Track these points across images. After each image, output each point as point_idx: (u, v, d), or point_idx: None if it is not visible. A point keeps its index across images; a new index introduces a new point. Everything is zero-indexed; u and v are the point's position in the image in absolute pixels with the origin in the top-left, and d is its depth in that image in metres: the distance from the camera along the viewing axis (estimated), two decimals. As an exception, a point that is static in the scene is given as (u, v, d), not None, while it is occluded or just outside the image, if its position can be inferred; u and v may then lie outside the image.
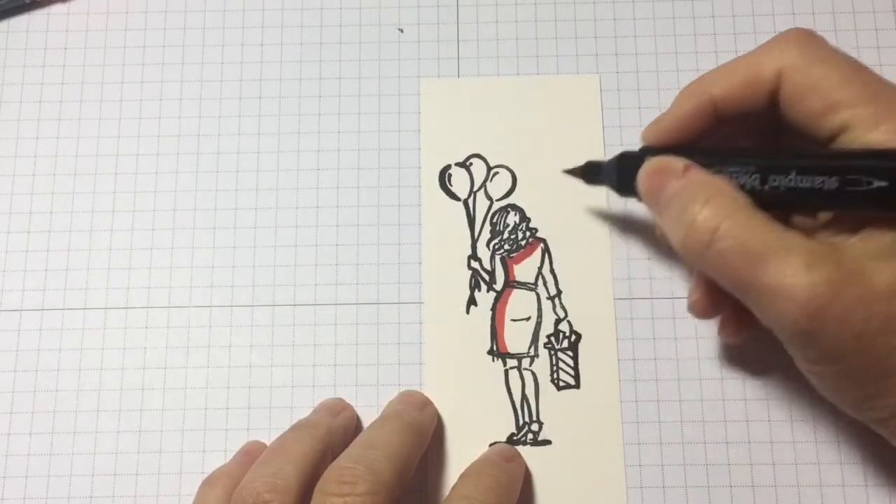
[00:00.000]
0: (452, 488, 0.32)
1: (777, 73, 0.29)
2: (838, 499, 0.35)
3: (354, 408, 0.36)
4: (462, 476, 0.33)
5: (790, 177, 0.28)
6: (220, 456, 0.36)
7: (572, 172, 0.36)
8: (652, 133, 0.33)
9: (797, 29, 0.30)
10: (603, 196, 0.38)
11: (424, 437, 0.34)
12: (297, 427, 0.34)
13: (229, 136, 0.40)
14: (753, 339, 0.34)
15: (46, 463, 0.36)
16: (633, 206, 0.38)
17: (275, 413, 0.37)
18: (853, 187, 0.26)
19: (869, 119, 0.27)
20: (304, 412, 0.36)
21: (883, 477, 0.35)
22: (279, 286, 0.38)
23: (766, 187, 0.28)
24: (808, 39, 0.29)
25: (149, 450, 0.36)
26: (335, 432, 0.33)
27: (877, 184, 0.25)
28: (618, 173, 0.33)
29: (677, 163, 0.30)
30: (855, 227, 0.27)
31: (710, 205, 0.28)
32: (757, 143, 0.32)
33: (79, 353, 0.37)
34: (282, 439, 0.33)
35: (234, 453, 0.35)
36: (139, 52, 0.41)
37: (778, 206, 0.28)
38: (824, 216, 0.30)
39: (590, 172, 0.36)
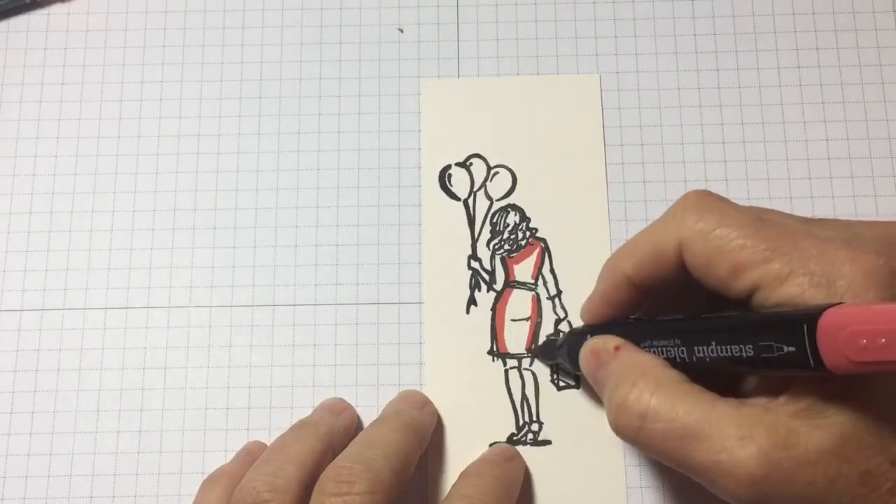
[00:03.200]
0: (452, 488, 0.32)
1: (678, 246, 0.29)
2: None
3: (355, 408, 0.36)
4: (462, 476, 0.33)
5: (711, 347, 0.27)
6: (220, 456, 0.36)
7: (532, 353, 0.37)
8: (586, 311, 0.34)
9: (693, 193, 0.29)
10: (603, 196, 0.38)
11: (423, 436, 0.34)
12: (298, 426, 0.34)
13: (229, 136, 0.40)
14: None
15: (46, 463, 0.36)
16: (634, 207, 0.38)
17: (275, 413, 0.37)
18: (767, 354, 0.25)
19: (776, 276, 0.26)
20: (304, 412, 0.36)
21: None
22: (279, 286, 0.38)
23: (694, 358, 0.28)
24: (704, 204, 0.29)
25: (149, 450, 0.36)
26: (336, 432, 0.33)
27: (787, 349, 0.25)
28: (568, 352, 0.34)
29: (610, 343, 0.31)
30: (782, 387, 0.27)
31: (636, 387, 0.28)
32: (686, 307, 0.32)
33: (79, 353, 0.37)
34: (282, 439, 0.33)
35: (234, 453, 0.35)
36: (139, 52, 0.41)
37: (709, 374, 0.28)
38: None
39: (547, 349, 0.36)
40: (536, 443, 0.36)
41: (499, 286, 0.38)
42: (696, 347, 0.28)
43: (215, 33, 0.41)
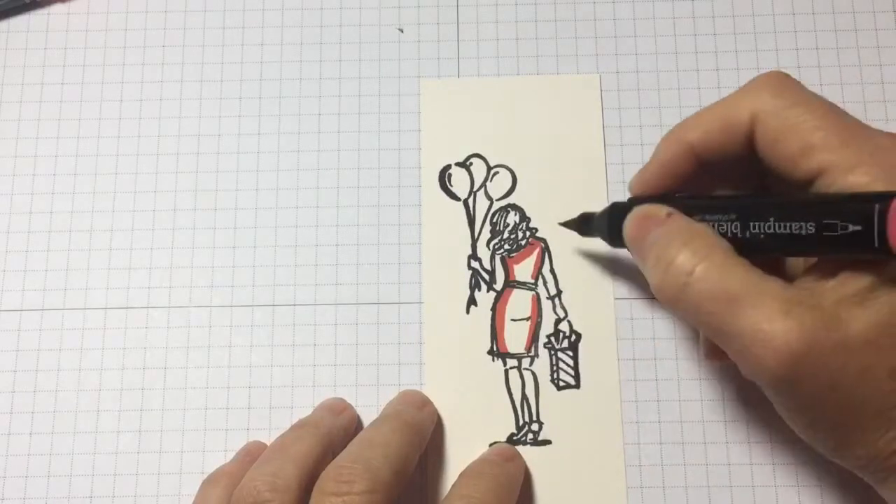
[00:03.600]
0: (452, 487, 0.32)
1: (751, 118, 0.29)
2: (838, 499, 0.35)
3: (355, 408, 0.36)
4: (461, 475, 0.33)
5: (769, 223, 0.27)
6: (220, 456, 0.36)
7: (567, 225, 0.37)
8: (637, 183, 0.33)
9: (772, 72, 0.30)
10: (603, 196, 0.38)
11: (423, 436, 0.34)
12: (298, 426, 0.34)
13: (229, 136, 0.40)
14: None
15: (46, 463, 0.36)
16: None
17: (275, 413, 0.37)
18: (829, 232, 0.25)
19: (845, 162, 0.27)
20: (304, 412, 0.36)
21: (883, 477, 0.35)
22: (279, 286, 0.38)
23: (748, 234, 0.28)
24: (782, 83, 0.29)
25: (149, 450, 0.36)
26: (336, 432, 0.33)
27: (852, 228, 0.25)
28: (608, 224, 0.34)
29: (660, 210, 0.30)
30: (834, 271, 0.27)
31: (687, 248, 0.28)
32: (740, 187, 0.32)
33: (79, 353, 0.37)
34: (282, 439, 0.33)
35: (234, 453, 0.35)
36: (139, 52, 0.41)
37: (761, 252, 0.28)
38: (810, 260, 0.29)
39: (584, 224, 0.36)
40: (536, 443, 0.36)
41: (499, 286, 0.38)
42: (751, 223, 0.28)
43: (215, 33, 0.41)
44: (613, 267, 0.38)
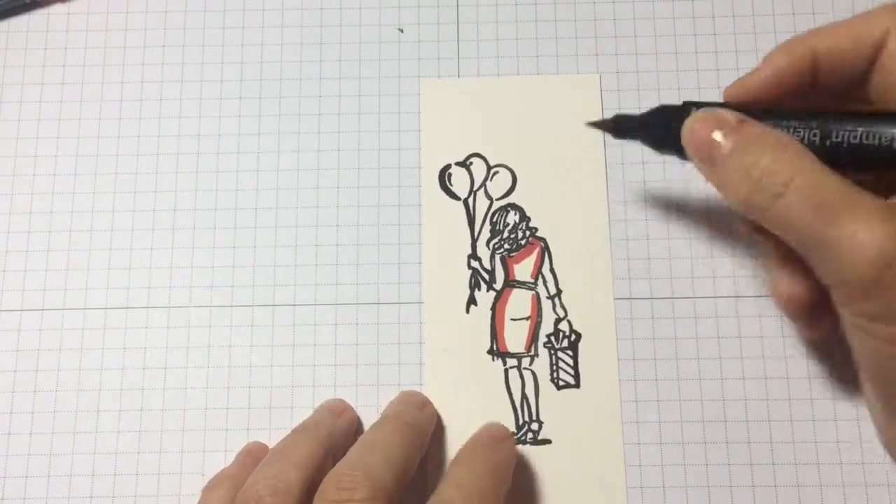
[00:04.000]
0: (445, 474, 0.32)
1: (885, 32, 0.28)
2: (838, 499, 0.35)
3: (355, 408, 0.36)
4: (454, 462, 0.33)
5: (855, 133, 0.26)
6: (220, 456, 0.36)
7: (598, 125, 0.34)
8: (738, 87, 0.31)
9: None
10: (603, 196, 0.38)
11: (424, 437, 0.34)
12: (300, 429, 0.34)
13: (229, 136, 0.40)
14: (751, 339, 0.34)
15: (46, 463, 0.36)
16: (634, 207, 0.38)
17: (275, 413, 0.37)
18: None
19: None
20: (304, 412, 0.36)
21: (883, 476, 0.35)
22: (279, 286, 0.38)
23: (828, 143, 0.27)
24: None
25: (149, 450, 0.36)
26: (337, 434, 0.33)
27: None
28: (657, 125, 0.32)
29: (729, 116, 0.29)
30: None
31: (779, 157, 0.27)
32: None
33: (79, 353, 0.37)
34: (284, 442, 0.33)
35: (234, 454, 0.36)
36: (139, 52, 0.41)
37: (838, 165, 0.27)
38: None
39: (620, 127, 0.34)
40: (536, 442, 0.36)
41: (499, 285, 0.38)
42: (835, 133, 0.27)
43: (215, 33, 0.41)
44: (613, 267, 0.38)
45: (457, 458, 0.33)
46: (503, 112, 0.39)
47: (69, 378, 0.37)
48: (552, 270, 0.38)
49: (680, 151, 0.31)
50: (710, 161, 0.29)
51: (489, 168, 0.39)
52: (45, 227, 0.39)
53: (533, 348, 0.37)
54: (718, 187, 0.30)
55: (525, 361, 0.37)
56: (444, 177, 0.39)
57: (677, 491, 0.35)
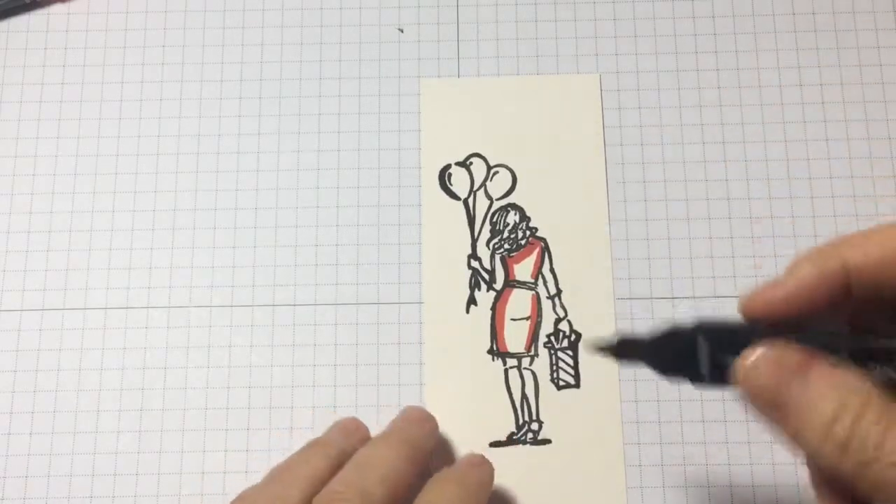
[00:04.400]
0: (419, 494, 0.31)
1: None
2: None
3: (355, 409, 0.36)
4: (428, 482, 0.32)
5: None
6: (220, 456, 0.36)
7: (603, 351, 0.28)
8: (761, 301, 0.26)
9: None
10: (603, 196, 0.38)
11: (424, 452, 0.34)
12: (310, 446, 0.33)
13: (229, 136, 0.40)
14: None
15: (46, 463, 0.36)
16: (634, 207, 0.38)
17: (275, 413, 0.37)
18: None
19: None
20: (304, 412, 0.36)
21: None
22: (279, 286, 0.38)
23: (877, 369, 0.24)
24: None
25: (149, 450, 0.36)
26: (347, 453, 0.33)
27: None
28: (665, 350, 0.27)
29: (795, 357, 0.25)
30: None
31: (863, 410, 0.23)
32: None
33: (79, 353, 0.37)
34: (291, 459, 0.33)
35: (234, 453, 0.36)
36: (139, 52, 0.41)
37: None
38: None
39: (626, 352, 0.29)
40: (536, 442, 0.36)
41: (499, 285, 0.38)
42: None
43: (215, 33, 0.41)
44: (613, 267, 0.38)
45: (430, 480, 0.32)
46: (503, 112, 0.39)
47: (69, 378, 0.37)
48: (552, 270, 0.38)
49: (693, 377, 0.26)
50: (778, 409, 0.25)
51: (489, 168, 0.39)
52: (45, 227, 0.39)
53: (533, 348, 0.37)
54: (792, 439, 0.25)
55: (525, 361, 0.37)
56: (444, 177, 0.39)
57: (677, 491, 0.35)
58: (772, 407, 0.25)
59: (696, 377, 0.26)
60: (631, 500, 0.35)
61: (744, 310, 0.26)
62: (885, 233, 0.25)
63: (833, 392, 0.24)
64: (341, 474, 0.31)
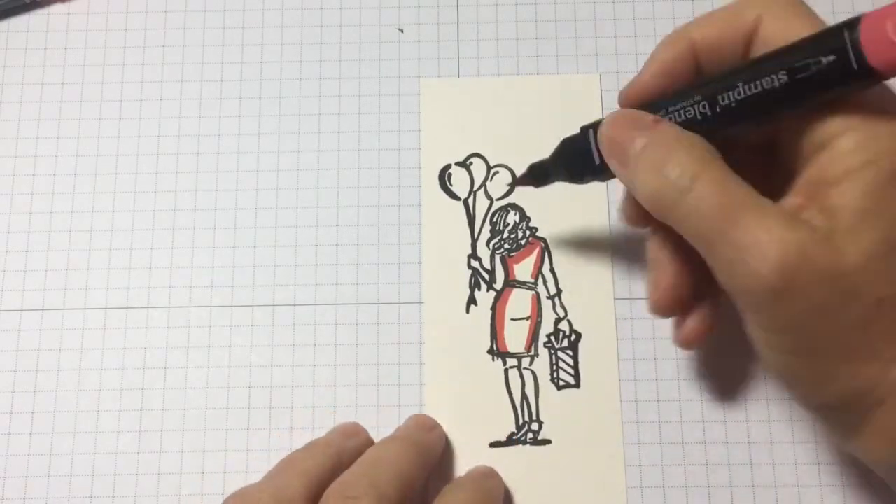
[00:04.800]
0: (435, 500, 0.32)
1: (757, 19, 0.28)
2: (838, 498, 0.35)
3: (355, 409, 0.36)
4: (443, 491, 0.33)
5: (737, 89, 0.27)
6: (219, 456, 0.36)
7: (521, 182, 0.36)
8: (631, 89, 0.31)
9: None
10: (603, 196, 0.38)
11: (431, 457, 0.34)
12: (310, 445, 0.34)
13: (229, 136, 0.40)
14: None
15: (46, 463, 0.36)
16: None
17: (275, 413, 0.37)
18: (803, 74, 0.25)
19: None
20: (304, 412, 0.36)
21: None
22: (279, 286, 0.38)
23: (718, 109, 0.28)
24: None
25: (149, 450, 0.36)
26: (347, 453, 0.33)
27: (825, 60, 0.25)
28: (568, 159, 0.33)
29: (646, 116, 0.29)
30: (827, 190, 0.26)
31: (688, 156, 0.27)
32: None
33: (79, 353, 0.37)
34: (293, 455, 0.33)
35: (234, 454, 0.36)
36: (139, 52, 0.41)
37: (736, 124, 0.28)
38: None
39: (536, 174, 0.35)
40: (536, 442, 0.36)
41: (499, 285, 0.38)
42: (720, 96, 0.27)
43: (215, 33, 0.41)
44: (613, 267, 0.38)
45: (444, 489, 0.33)
46: (503, 112, 0.39)
47: (69, 378, 0.37)
48: (552, 270, 0.38)
49: (597, 173, 0.32)
50: (623, 159, 0.30)
51: (489, 168, 0.39)
52: (45, 227, 0.39)
53: (533, 348, 0.37)
54: (630, 185, 0.30)
55: (525, 361, 0.37)
56: (444, 177, 0.39)
57: (677, 491, 0.35)
58: (621, 155, 0.29)
59: (595, 170, 0.31)
60: (631, 500, 0.35)
61: (621, 100, 0.32)
62: (723, 12, 0.29)
63: (667, 140, 0.28)
64: (352, 469, 0.31)
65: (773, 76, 0.26)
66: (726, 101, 0.27)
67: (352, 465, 0.32)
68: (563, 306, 0.37)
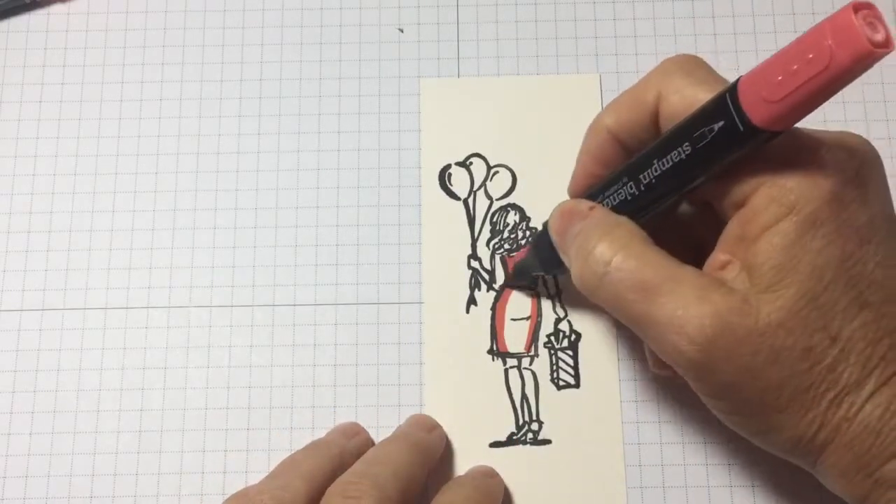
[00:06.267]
0: (434, 499, 0.32)
1: (657, 96, 0.30)
2: (838, 498, 0.35)
3: (355, 409, 0.36)
4: (443, 489, 0.33)
5: (654, 166, 0.29)
6: (219, 456, 0.36)
7: (512, 284, 0.38)
8: (573, 183, 0.34)
9: (683, 55, 0.31)
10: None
11: (431, 457, 0.34)
12: (311, 445, 0.34)
13: (229, 136, 0.40)
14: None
15: (46, 463, 0.36)
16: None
17: (275, 413, 0.37)
18: (701, 141, 0.27)
19: None
20: (304, 412, 0.36)
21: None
22: (279, 286, 0.38)
23: (642, 188, 0.29)
24: (691, 64, 0.30)
25: (149, 450, 0.36)
26: (348, 454, 0.33)
27: (717, 126, 0.26)
28: (537, 245, 0.35)
29: (582, 204, 0.31)
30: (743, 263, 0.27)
31: (607, 238, 0.29)
32: None
33: (79, 353, 0.37)
34: (294, 455, 0.33)
35: (234, 454, 0.36)
36: (139, 52, 0.41)
37: (661, 200, 0.30)
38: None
39: (522, 274, 0.37)
40: (536, 442, 0.36)
41: (499, 286, 0.38)
42: (641, 175, 0.29)
43: (215, 33, 0.41)
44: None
45: (445, 485, 0.33)
46: (503, 112, 0.39)
47: (69, 378, 0.37)
48: (552, 270, 0.38)
49: (561, 265, 0.33)
50: (563, 245, 0.32)
51: (489, 168, 0.39)
52: (45, 227, 0.39)
53: (533, 348, 0.37)
54: (569, 270, 0.31)
55: (525, 361, 0.37)
56: (444, 177, 0.39)
57: (677, 491, 0.35)
58: (561, 241, 0.31)
59: (559, 265, 0.33)
60: (631, 500, 0.35)
61: (569, 192, 0.34)
62: (626, 96, 0.31)
63: (594, 225, 0.30)
64: (354, 468, 0.31)
65: (680, 149, 0.27)
66: (647, 179, 0.29)
67: (352, 465, 0.32)
68: (563, 306, 0.37)
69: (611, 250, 0.28)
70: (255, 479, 0.32)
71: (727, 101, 0.26)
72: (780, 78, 0.24)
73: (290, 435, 0.36)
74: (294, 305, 0.38)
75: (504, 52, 0.40)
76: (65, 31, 0.41)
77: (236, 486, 0.34)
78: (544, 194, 0.38)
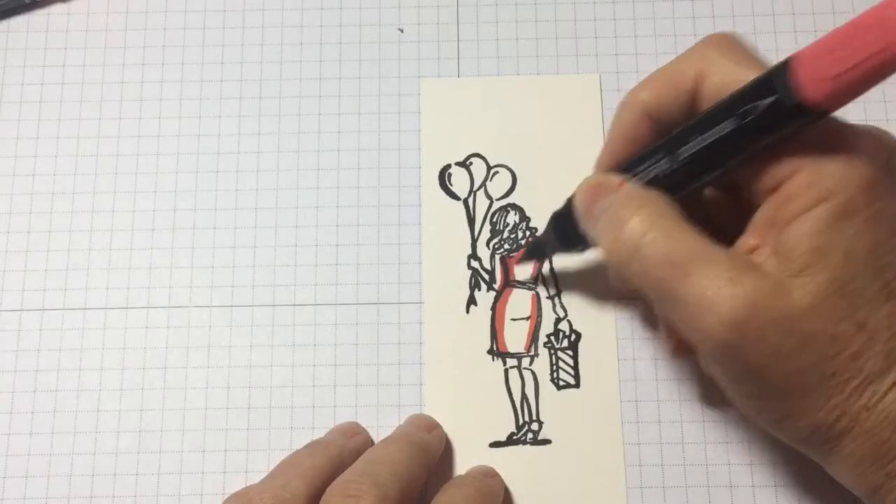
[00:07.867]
0: (434, 499, 0.32)
1: (697, 75, 0.29)
2: (838, 499, 0.35)
3: (355, 409, 0.36)
4: (443, 488, 0.33)
5: (693, 141, 0.28)
6: (219, 456, 0.36)
7: (523, 261, 0.38)
8: (603, 158, 0.33)
9: (722, 33, 0.30)
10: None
11: (431, 457, 0.34)
12: (311, 445, 0.34)
13: (229, 136, 0.40)
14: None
15: (46, 463, 0.36)
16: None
17: (275, 413, 0.37)
18: (750, 116, 0.26)
19: None
20: (304, 412, 0.36)
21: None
22: (279, 286, 0.38)
23: (677, 164, 0.29)
24: (731, 43, 0.30)
25: (149, 450, 0.36)
26: (348, 453, 0.33)
27: (766, 101, 0.26)
28: (557, 226, 0.34)
29: (612, 178, 0.31)
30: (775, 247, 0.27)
31: (639, 213, 0.28)
32: None
33: (79, 353, 0.37)
34: (294, 455, 0.33)
35: (234, 454, 0.36)
36: (139, 52, 0.41)
37: (699, 177, 0.29)
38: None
39: (536, 251, 0.37)
40: (536, 442, 0.36)
41: (499, 285, 0.38)
42: (678, 152, 0.29)
43: (215, 33, 0.41)
44: (613, 267, 0.38)
45: (446, 485, 0.33)
46: (503, 112, 0.39)
47: (69, 378, 0.37)
48: (552, 270, 0.38)
49: (586, 240, 0.33)
50: (590, 219, 0.31)
51: (489, 168, 0.39)
52: (45, 227, 0.39)
53: (533, 348, 0.37)
54: (596, 245, 0.31)
55: (525, 361, 0.37)
56: (444, 177, 0.39)
57: (677, 491, 0.35)
58: (589, 215, 0.31)
59: (583, 238, 0.32)
60: (631, 500, 0.35)
61: (596, 167, 0.33)
62: (664, 73, 0.31)
63: (624, 201, 0.29)
64: (354, 467, 0.31)
65: (722, 124, 0.27)
66: (685, 155, 0.29)
67: (352, 464, 0.32)
68: (563, 306, 0.37)
69: (644, 224, 0.28)
70: (255, 479, 0.32)
71: (779, 76, 0.25)
72: (837, 54, 0.24)
73: (290, 435, 0.36)
74: (294, 305, 0.38)
75: (504, 52, 0.40)
76: (65, 31, 0.41)
77: (236, 486, 0.34)
78: (544, 194, 0.38)
